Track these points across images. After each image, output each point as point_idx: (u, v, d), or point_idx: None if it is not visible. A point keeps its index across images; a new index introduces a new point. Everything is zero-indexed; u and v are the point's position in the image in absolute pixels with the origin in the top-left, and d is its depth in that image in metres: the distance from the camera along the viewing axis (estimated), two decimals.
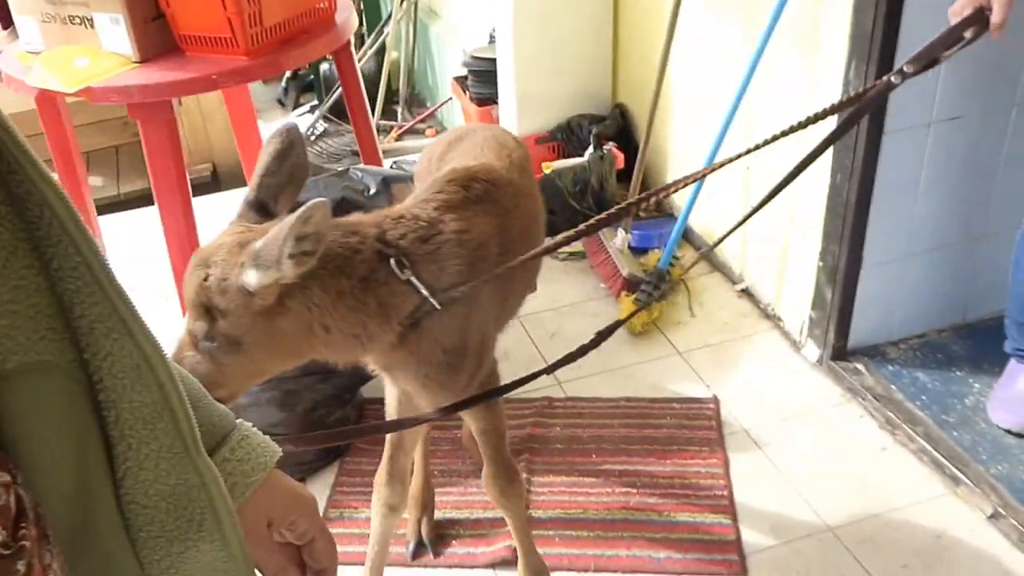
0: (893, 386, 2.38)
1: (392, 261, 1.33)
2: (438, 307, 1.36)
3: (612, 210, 1.56)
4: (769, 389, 2.53)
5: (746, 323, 2.83)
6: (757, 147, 1.58)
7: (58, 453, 0.59)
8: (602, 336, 1.62)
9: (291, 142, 1.33)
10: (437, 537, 2.10)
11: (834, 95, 2.22)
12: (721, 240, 1.82)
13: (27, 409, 0.57)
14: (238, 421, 0.80)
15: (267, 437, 0.82)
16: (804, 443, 2.33)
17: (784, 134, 1.53)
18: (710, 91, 2.89)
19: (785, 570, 1.98)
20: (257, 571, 0.77)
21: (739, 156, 1.58)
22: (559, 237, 1.51)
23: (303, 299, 1.26)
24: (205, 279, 1.22)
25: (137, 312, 0.62)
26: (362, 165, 2.55)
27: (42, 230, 0.57)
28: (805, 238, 2.52)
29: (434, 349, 1.43)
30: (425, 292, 1.35)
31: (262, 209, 1.30)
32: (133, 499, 0.63)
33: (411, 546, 2.07)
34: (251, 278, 1.19)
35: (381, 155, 3.04)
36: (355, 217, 1.41)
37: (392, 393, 1.73)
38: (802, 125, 1.55)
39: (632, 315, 2.23)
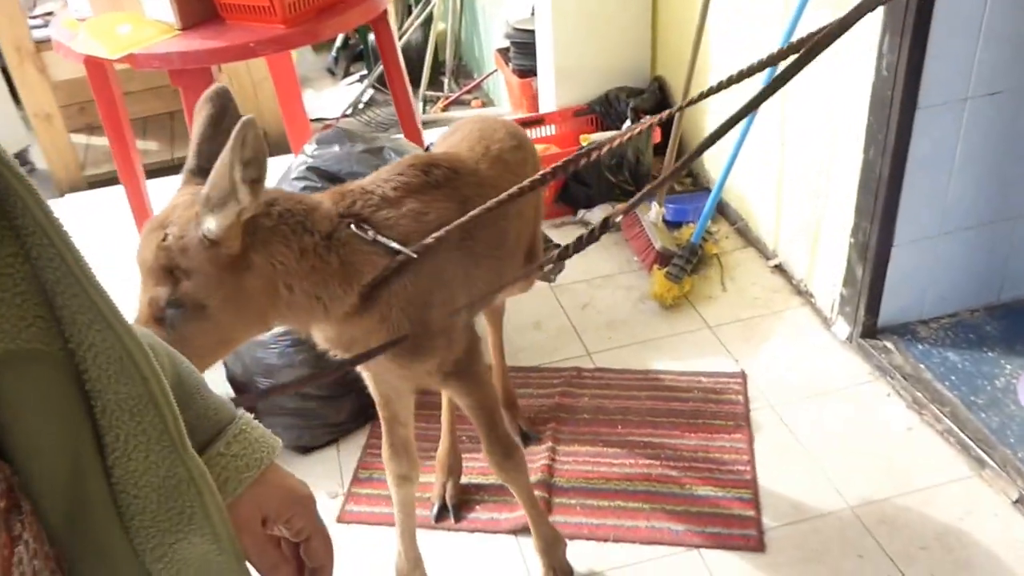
0: (922, 365, 2.38)
1: (352, 224, 1.35)
2: (413, 255, 1.36)
3: (643, 190, 1.52)
4: (797, 366, 2.54)
5: (777, 299, 2.83)
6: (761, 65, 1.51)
7: (49, 439, 0.59)
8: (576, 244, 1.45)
9: (223, 105, 1.30)
10: (461, 502, 2.18)
11: (868, 66, 2.20)
12: (699, 151, 1.60)
13: (17, 396, 0.57)
14: (239, 412, 0.79)
15: (267, 431, 0.82)
16: (830, 421, 2.34)
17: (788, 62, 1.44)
18: (747, 62, 2.86)
19: (802, 547, 2.01)
20: (250, 566, 0.78)
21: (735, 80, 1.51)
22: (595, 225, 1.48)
23: (266, 255, 1.26)
24: (164, 239, 1.21)
25: (116, 307, 0.62)
26: (399, 140, 2.59)
27: (19, 219, 0.58)
28: (837, 214, 2.51)
29: (400, 319, 1.43)
30: (394, 244, 1.36)
31: (205, 174, 1.24)
32: (123, 488, 0.63)
33: (435, 509, 2.16)
34: (211, 224, 1.18)
35: (420, 126, 3.08)
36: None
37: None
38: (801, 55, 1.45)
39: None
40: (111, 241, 3.53)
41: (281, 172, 2.46)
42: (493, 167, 1.69)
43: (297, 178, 2.32)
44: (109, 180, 3.40)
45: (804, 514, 2.09)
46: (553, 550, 1.95)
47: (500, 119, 2.07)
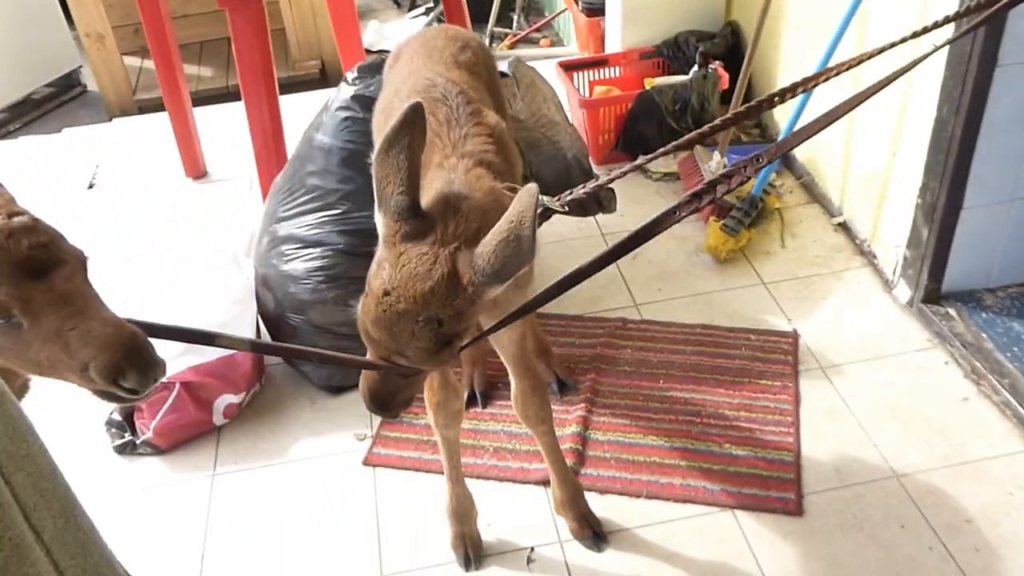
0: (984, 334, 2.36)
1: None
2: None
3: (702, 129, 1.54)
4: (853, 328, 2.54)
5: (839, 258, 2.82)
6: (859, 61, 1.55)
7: None
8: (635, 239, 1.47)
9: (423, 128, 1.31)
10: (489, 388, 2.36)
11: (951, 5, 2.15)
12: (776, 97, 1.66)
13: None
14: None
15: None
16: (882, 387, 2.35)
17: (892, 45, 1.49)
18: (823, 8, 2.81)
19: (842, 513, 2.04)
20: None
21: (840, 69, 1.54)
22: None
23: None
24: (433, 322, 1.25)
25: None
26: None
27: None
28: (906, 173, 2.48)
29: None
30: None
31: (413, 215, 1.29)
32: None
33: (464, 396, 2.21)
34: (492, 292, 1.25)
35: None
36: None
37: None
38: (915, 35, 1.50)
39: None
40: (154, 168, 3.66)
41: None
42: (460, 75, 1.71)
43: (340, 107, 2.37)
44: (161, 105, 3.49)
45: (847, 480, 2.12)
46: (575, 502, 2.01)
47: (437, 27, 2.08)
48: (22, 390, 1.38)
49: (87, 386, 1.20)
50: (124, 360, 1.15)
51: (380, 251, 1.31)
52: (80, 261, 1.20)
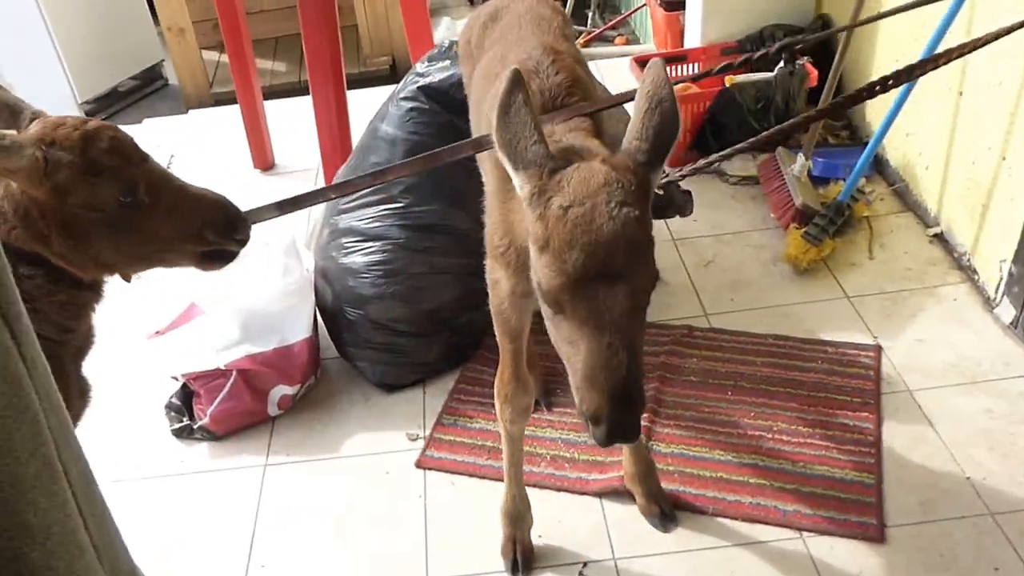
0: None
1: None
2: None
3: (782, 126, 1.46)
4: (947, 349, 2.36)
5: (933, 272, 2.63)
6: (971, 48, 1.42)
7: None
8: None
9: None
10: (548, 395, 2.28)
11: None
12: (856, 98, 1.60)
13: None
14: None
15: None
16: (978, 414, 2.16)
17: (1010, 31, 1.37)
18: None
19: (927, 551, 1.87)
20: None
21: (948, 58, 1.41)
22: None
23: None
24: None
25: None
26: None
27: None
28: (1014, 180, 2.29)
29: None
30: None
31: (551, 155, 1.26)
32: None
33: (533, 392, 2.17)
34: (658, 173, 1.24)
35: None
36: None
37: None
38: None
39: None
40: (225, 159, 3.69)
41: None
42: (569, 49, 1.71)
43: (406, 97, 2.31)
44: (235, 98, 3.53)
45: (935, 514, 1.94)
46: (647, 478, 1.96)
47: None
48: (82, 350, 1.45)
49: (196, 250, 1.39)
50: (235, 215, 1.39)
51: (536, 210, 1.18)
52: None
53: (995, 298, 2.43)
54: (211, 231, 1.36)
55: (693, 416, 2.21)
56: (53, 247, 1.31)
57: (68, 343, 1.39)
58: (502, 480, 1.98)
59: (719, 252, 2.82)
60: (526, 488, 1.99)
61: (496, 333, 1.73)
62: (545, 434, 2.19)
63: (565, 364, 1.21)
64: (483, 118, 1.67)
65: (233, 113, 3.68)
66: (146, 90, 4.94)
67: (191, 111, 4.30)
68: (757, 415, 2.19)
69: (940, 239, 2.71)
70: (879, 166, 3.02)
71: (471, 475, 2.14)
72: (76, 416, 1.42)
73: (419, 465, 2.19)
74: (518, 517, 1.92)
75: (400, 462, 2.21)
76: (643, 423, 2.14)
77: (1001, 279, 2.39)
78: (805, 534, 1.92)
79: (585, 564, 1.91)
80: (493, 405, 2.25)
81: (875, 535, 1.90)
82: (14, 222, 1.30)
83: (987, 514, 1.93)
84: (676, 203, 2.46)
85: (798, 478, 2.02)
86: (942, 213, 2.71)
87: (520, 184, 1.22)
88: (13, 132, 1.31)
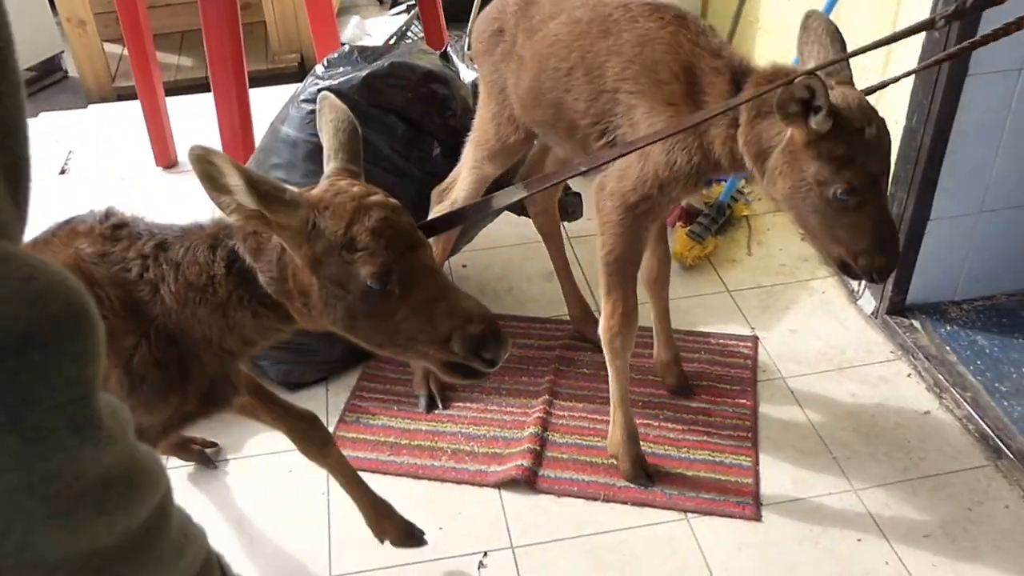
0: (948, 347, 2.28)
1: None
2: None
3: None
4: (816, 338, 2.45)
5: (805, 268, 2.73)
6: (831, 63, 1.52)
7: None
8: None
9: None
10: (446, 389, 2.27)
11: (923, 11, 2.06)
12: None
13: None
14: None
15: None
16: (843, 397, 2.26)
17: (864, 50, 1.45)
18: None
19: (799, 525, 1.95)
20: None
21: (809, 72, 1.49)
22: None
23: None
24: None
25: None
26: (403, 57, 2.47)
27: None
28: None
29: None
30: None
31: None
32: None
33: (423, 400, 2.21)
34: None
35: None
36: None
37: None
38: (877, 44, 1.46)
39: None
40: (126, 156, 3.52)
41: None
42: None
43: (306, 100, 2.25)
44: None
45: (805, 491, 2.02)
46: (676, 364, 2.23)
47: None
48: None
49: (439, 358, 1.24)
50: (489, 332, 1.21)
51: (836, 137, 1.52)
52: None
53: (858, 291, 2.54)
54: (459, 344, 1.21)
55: (586, 406, 2.23)
56: (293, 303, 1.27)
57: (243, 356, 1.38)
58: (403, 476, 1.96)
59: None
60: (428, 482, 2.00)
61: (618, 274, 1.87)
62: (446, 429, 2.18)
63: (835, 242, 1.62)
64: (590, 81, 1.79)
65: (136, 108, 3.51)
66: (44, 82, 4.64)
67: (91, 105, 4.07)
68: (645, 404, 2.23)
69: None
70: None
71: (374, 471, 2.10)
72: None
73: None
74: (635, 434, 2.04)
75: (303, 460, 2.14)
76: (539, 414, 2.17)
77: None
78: (689, 515, 1.97)
79: (485, 554, 1.91)
80: (395, 402, 2.25)
81: (752, 514, 1.96)
82: (273, 272, 1.26)
83: (851, 490, 2.02)
84: (567, 209, 2.49)
85: (682, 463, 2.07)
86: None
87: (821, 121, 1.48)
88: (295, 188, 1.22)
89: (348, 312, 1.22)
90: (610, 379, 1.99)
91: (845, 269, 1.66)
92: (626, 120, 1.76)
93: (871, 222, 1.56)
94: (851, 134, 1.52)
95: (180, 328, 1.30)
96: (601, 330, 1.94)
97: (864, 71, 1.80)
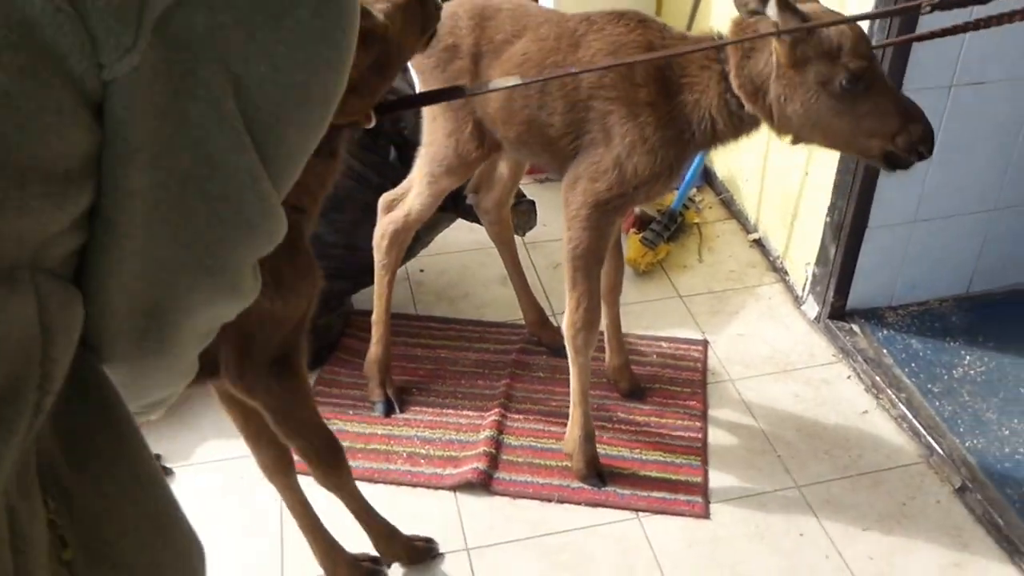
0: (885, 350, 2.37)
1: None
2: None
3: None
4: (762, 342, 2.53)
5: (752, 274, 2.81)
6: None
7: None
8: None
9: None
10: (402, 394, 2.30)
11: None
12: None
13: None
14: None
15: None
16: (787, 399, 2.34)
17: None
18: None
19: (746, 522, 2.02)
20: None
21: None
22: None
23: None
24: None
25: None
26: None
27: None
28: (816, 192, 2.48)
29: None
30: None
31: None
32: None
33: (381, 406, 2.24)
34: None
35: None
36: None
37: None
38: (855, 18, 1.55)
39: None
40: None
41: None
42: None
43: None
44: None
45: (751, 488, 2.09)
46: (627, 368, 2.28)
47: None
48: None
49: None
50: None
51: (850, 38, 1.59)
52: None
53: (802, 296, 2.63)
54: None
55: (541, 410, 2.28)
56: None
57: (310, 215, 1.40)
58: (359, 480, 1.94)
59: None
60: (385, 485, 2.02)
61: (583, 269, 1.93)
62: (402, 432, 2.20)
63: (869, 136, 1.64)
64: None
65: None
66: None
67: None
68: (600, 407, 2.28)
69: (759, 244, 2.90)
70: (708, 177, 3.19)
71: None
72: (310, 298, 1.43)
73: None
74: (592, 434, 2.09)
75: (255, 466, 2.16)
76: (495, 417, 2.22)
77: (806, 280, 2.58)
78: (641, 514, 2.02)
79: (441, 555, 1.94)
80: (351, 406, 2.27)
81: (701, 512, 2.02)
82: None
83: (795, 487, 2.10)
84: (519, 224, 2.53)
85: (635, 463, 2.13)
86: (760, 221, 2.90)
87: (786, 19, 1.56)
88: None
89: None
90: (571, 377, 2.04)
91: (892, 161, 1.64)
92: (597, 126, 1.81)
93: (889, 99, 1.61)
94: (826, 30, 1.58)
95: None
96: (565, 326, 1.99)
97: None
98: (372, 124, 1.38)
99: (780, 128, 1.70)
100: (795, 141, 1.73)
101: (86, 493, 0.56)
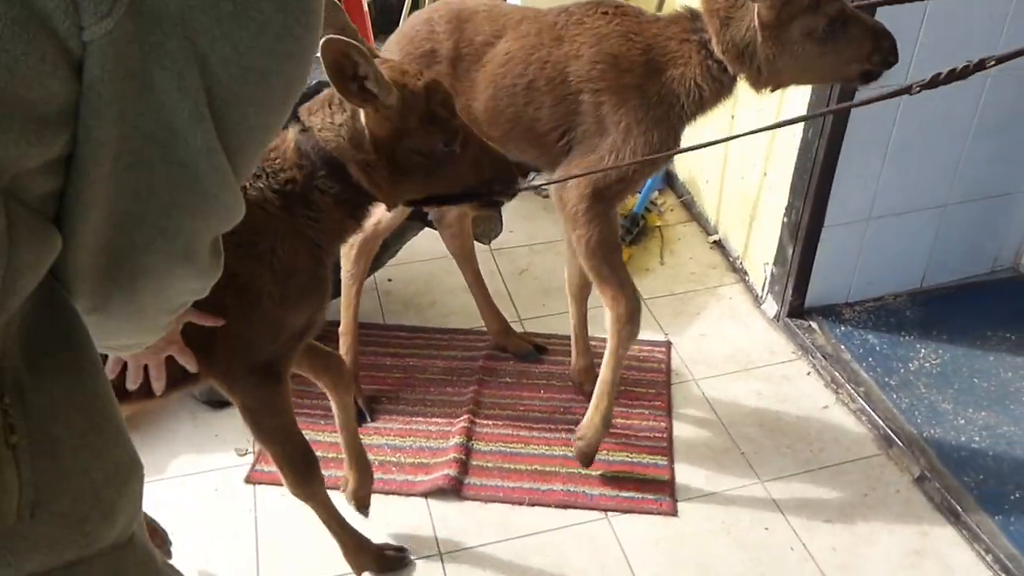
0: (843, 346, 2.43)
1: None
2: None
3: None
4: (724, 342, 2.58)
5: (713, 275, 2.86)
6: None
7: None
8: None
9: None
10: (372, 402, 2.33)
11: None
12: None
13: None
14: None
15: None
16: (749, 397, 2.39)
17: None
18: None
19: (712, 517, 2.05)
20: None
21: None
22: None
23: None
24: None
25: None
26: None
27: None
28: (774, 193, 2.53)
29: None
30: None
31: None
32: None
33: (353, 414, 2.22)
34: None
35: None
36: None
37: None
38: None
39: None
40: None
41: None
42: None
43: None
44: None
45: (717, 485, 2.13)
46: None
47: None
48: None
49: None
50: (517, 174, 1.57)
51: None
52: None
53: (761, 296, 2.68)
54: (498, 184, 1.52)
55: (510, 415, 2.30)
56: (375, 174, 1.43)
57: (330, 254, 1.53)
58: (330, 489, 1.94)
59: (532, 260, 2.94)
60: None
61: (604, 259, 1.94)
62: (372, 441, 2.21)
63: (849, 63, 1.74)
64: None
65: None
66: None
67: None
68: (566, 410, 2.31)
69: (719, 245, 2.95)
70: (669, 180, 3.24)
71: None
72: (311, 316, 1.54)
73: (249, 480, 2.13)
74: (610, 422, 2.10)
75: (229, 478, 2.15)
76: (463, 424, 2.23)
77: (765, 279, 2.64)
78: (610, 514, 2.05)
79: (413, 563, 1.95)
80: (322, 416, 2.27)
81: (669, 510, 2.06)
82: (347, 145, 1.41)
83: (758, 482, 2.14)
84: (485, 231, 2.54)
85: (602, 464, 2.15)
86: (720, 222, 2.95)
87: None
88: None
89: (424, 173, 1.45)
90: (605, 367, 2.04)
91: (867, 77, 1.76)
92: (590, 117, 1.83)
93: (860, 26, 1.70)
94: None
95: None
96: (610, 321, 1.98)
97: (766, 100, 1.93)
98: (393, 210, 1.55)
99: (768, 81, 1.78)
100: (776, 88, 1.81)
101: (39, 393, 0.64)
